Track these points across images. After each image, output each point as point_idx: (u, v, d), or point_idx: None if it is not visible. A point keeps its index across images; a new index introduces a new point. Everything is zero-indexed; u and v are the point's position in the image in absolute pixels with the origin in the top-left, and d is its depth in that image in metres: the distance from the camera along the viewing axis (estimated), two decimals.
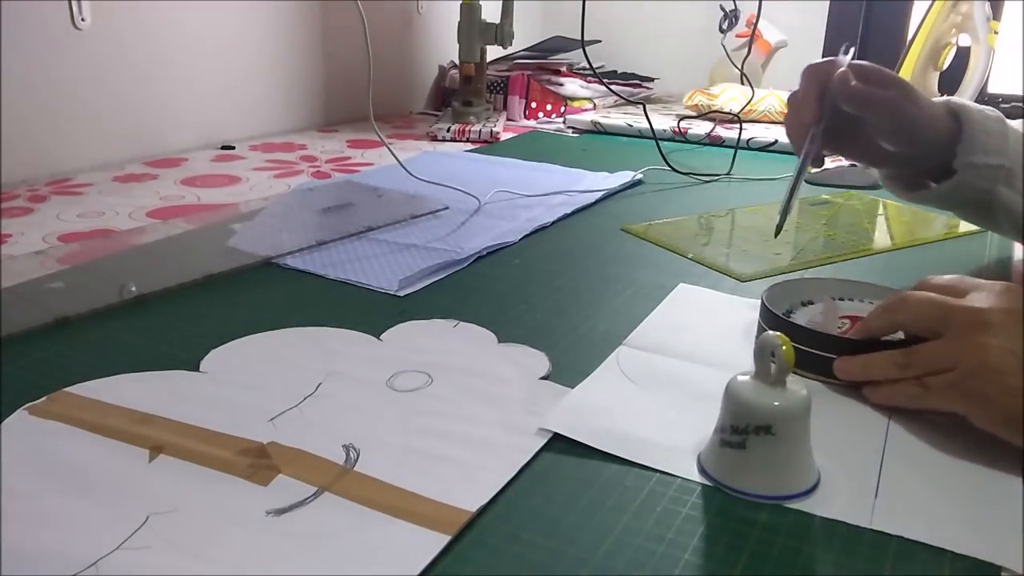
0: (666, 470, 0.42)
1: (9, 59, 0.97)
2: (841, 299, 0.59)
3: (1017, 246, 0.80)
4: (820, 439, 0.42)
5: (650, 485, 0.41)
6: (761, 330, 0.56)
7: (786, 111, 0.65)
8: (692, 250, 0.78)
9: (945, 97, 0.67)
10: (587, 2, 1.07)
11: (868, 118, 0.63)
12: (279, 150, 1.24)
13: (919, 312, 0.48)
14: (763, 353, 0.40)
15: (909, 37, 1.59)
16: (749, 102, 1.48)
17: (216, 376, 0.51)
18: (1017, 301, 0.45)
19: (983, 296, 0.47)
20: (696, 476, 0.42)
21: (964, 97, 1.53)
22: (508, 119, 1.57)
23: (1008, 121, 0.66)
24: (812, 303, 0.59)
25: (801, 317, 0.57)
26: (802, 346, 0.51)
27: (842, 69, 0.62)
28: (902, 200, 0.70)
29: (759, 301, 0.56)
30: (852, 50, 0.64)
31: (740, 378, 0.41)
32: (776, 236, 0.61)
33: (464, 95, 1.47)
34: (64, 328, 0.58)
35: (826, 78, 0.62)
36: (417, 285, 0.67)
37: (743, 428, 0.40)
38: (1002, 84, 1.72)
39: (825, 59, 0.63)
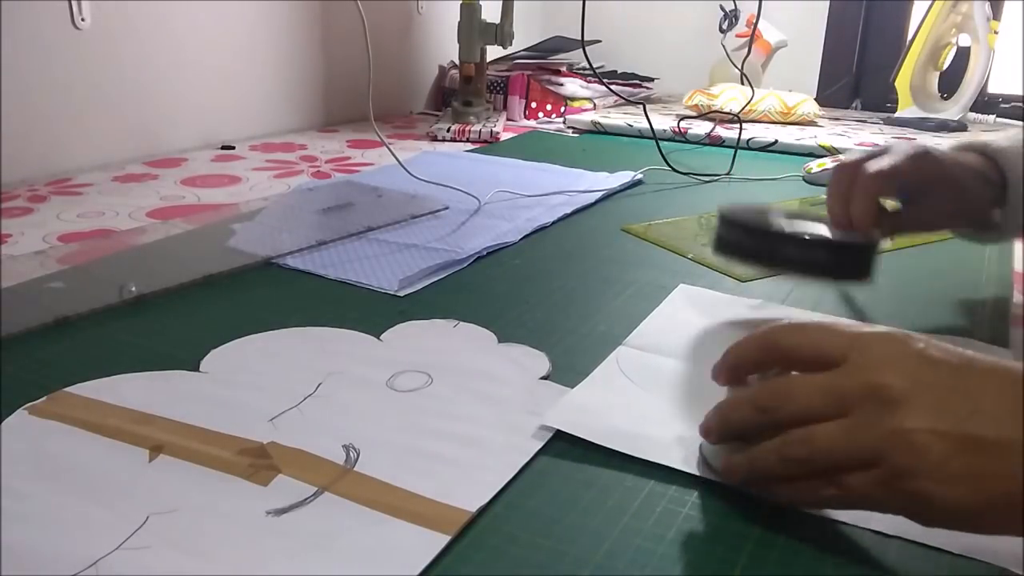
0: (666, 463, 0.42)
1: (9, 59, 0.97)
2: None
3: (1016, 257, 0.80)
4: None
5: (650, 486, 0.41)
6: (719, 241, 0.58)
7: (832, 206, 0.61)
8: (692, 250, 0.78)
9: (983, 141, 0.65)
10: (587, 2, 1.07)
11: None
12: (279, 150, 1.24)
13: (807, 402, 0.36)
14: None
15: (909, 37, 1.59)
16: (749, 102, 1.48)
17: (216, 376, 0.51)
18: (910, 360, 0.35)
19: (866, 361, 0.35)
20: (696, 472, 0.42)
21: (964, 97, 1.54)
22: (508, 119, 1.57)
23: None
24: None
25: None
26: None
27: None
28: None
29: (759, 301, 0.56)
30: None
31: None
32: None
33: (464, 95, 1.47)
34: (64, 328, 0.58)
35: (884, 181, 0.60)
36: (417, 285, 0.68)
37: None
38: (1002, 84, 1.72)
39: (859, 159, 0.61)
